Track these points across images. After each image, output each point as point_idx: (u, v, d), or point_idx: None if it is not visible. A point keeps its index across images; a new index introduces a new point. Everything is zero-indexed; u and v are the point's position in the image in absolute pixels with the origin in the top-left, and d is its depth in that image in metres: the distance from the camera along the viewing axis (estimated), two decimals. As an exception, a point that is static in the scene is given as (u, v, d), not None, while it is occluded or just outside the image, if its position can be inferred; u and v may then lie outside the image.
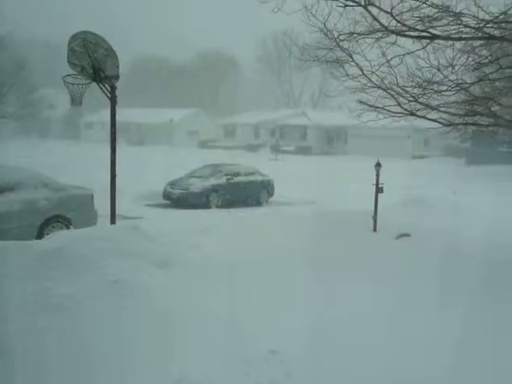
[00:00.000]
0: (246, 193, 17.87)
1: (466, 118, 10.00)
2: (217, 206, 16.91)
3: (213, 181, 17.42)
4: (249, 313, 5.79)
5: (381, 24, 7.71)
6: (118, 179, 9.29)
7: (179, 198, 16.80)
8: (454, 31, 7.58)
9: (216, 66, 69.67)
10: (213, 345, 5.01)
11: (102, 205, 10.22)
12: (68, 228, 9.97)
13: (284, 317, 5.74)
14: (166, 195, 17.20)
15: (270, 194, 18.86)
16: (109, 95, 8.98)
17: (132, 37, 48.29)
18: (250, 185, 18.12)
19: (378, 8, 7.58)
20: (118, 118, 9.24)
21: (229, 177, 17.77)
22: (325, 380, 4.54)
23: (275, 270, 7.58)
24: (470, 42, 7.96)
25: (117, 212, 9.42)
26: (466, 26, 7.39)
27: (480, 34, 7.42)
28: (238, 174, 18.20)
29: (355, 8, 7.77)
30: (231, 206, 16.65)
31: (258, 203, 18.06)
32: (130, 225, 9.40)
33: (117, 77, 8.93)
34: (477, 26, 7.26)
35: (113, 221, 9.27)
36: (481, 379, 4.68)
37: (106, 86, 8.93)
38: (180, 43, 61.57)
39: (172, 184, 17.37)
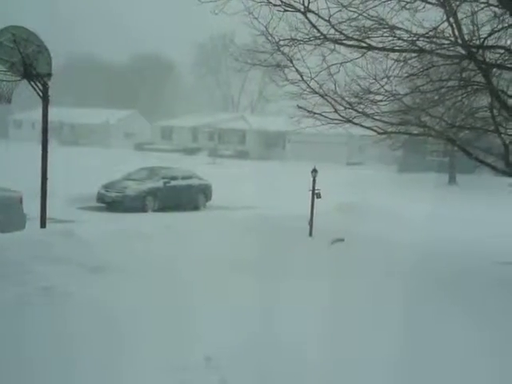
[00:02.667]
0: (184, 197, 17.65)
1: (398, 127, 10.41)
2: (153, 210, 16.61)
3: (149, 184, 17.09)
4: (184, 320, 5.70)
5: (319, 31, 7.89)
6: (49, 181, 8.92)
7: (114, 202, 16.36)
8: (388, 43, 7.87)
9: (155, 68, 68.69)
10: (147, 353, 4.88)
11: (32, 208, 9.75)
12: (-6, 232, 9.45)
13: (218, 324, 5.70)
14: (101, 198, 16.71)
15: (208, 198, 18.75)
16: (41, 94, 8.62)
17: (67, 34, 46.65)
18: (187, 189, 17.92)
19: (317, 15, 7.74)
20: (50, 117, 8.89)
21: (166, 180, 17.49)
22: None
23: (210, 277, 7.52)
24: (403, 54, 8.29)
25: (48, 215, 9.04)
26: (399, 39, 7.69)
27: (413, 47, 7.74)
28: (175, 178, 17.96)
29: (295, 15, 7.90)
30: (168, 209, 16.40)
31: (196, 207, 17.91)
32: (62, 229, 9.07)
33: (49, 75, 8.59)
34: (410, 39, 7.57)
35: (43, 225, 8.90)
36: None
37: (38, 84, 8.57)
38: (118, 44, 60.21)
39: (107, 187, 16.89)
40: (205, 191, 18.64)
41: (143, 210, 16.33)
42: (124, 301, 6.16)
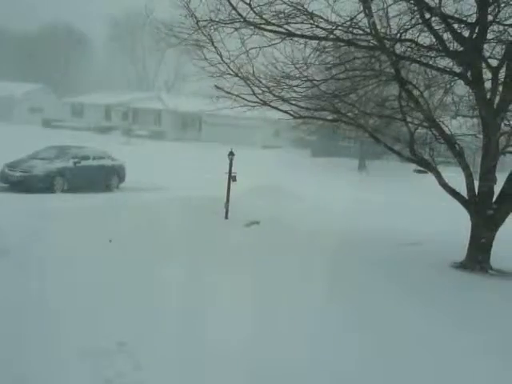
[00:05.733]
0: (95, 177, 16.99)
1: (313, 112, 10.65)
2: (62, 191, 15.84)
3: (58, 163, 16.27)
4: (94, 305, 5.52)
5: (239, 14, 7.83)
6: None
7: (19, 182, 15.41)
8: (307, 30, 7.99)
9: (65, 41, 65.06)
10: (53, 339, 4.68)
11: None
12: None
13: (133, 308, 5.58)
14: (4, 178, 15.68)
15: (121, 179, 18.19)
16: None
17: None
18: (99, 169, 17.26)
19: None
20: None
21: (76, 160, 16.73)
22: (175, 370, 4.51)
23: (122, 261, 7.35)
24: (321, 42, 8.46)
25: None
26: (318, 27, 7.82)
27: (331, 36, 7.91)
28: (86, 158, 17.21)
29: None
30: (78, 190, 15.73)
31: (108, 188, 17.32)
32: (-41, 210, 8.44)
33: None
34: (328, 28, 7.73)
35: None
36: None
37: None
38: (25, 13, 56.36)
39: (11, 166, 15.87)
40: (118, 172, 18.05)
41: (51, 190, 15.53)
42: (27, 285, 5.87)
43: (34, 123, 45.97)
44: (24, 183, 15.32)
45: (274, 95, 9.63)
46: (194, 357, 4.68)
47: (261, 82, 9.40)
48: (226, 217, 11.97)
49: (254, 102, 9.93)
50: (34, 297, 5.57)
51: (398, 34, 8.22)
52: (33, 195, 14.16)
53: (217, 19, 8.20)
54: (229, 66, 9.19)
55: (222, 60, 9.10)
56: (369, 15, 7.50)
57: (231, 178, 12.20)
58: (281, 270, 7.67)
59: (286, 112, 10.24)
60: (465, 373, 4.85)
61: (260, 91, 9.58)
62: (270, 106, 9.99)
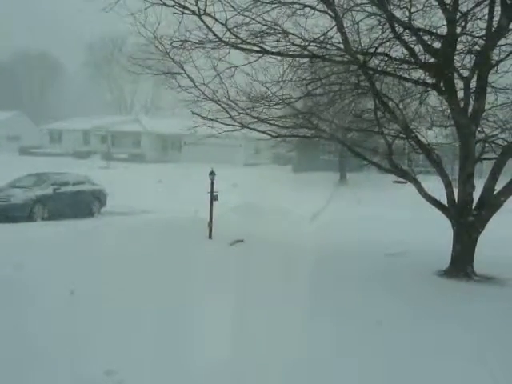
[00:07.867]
0: (76, 203, 16.83)
1: (291, 131, 10.71)
2: (43, 219, 15.63)
3: (37, 191, 16.07)
4: (81, 334, 5.42)
5: (215, 34, 7.89)
6: None
7: (-2, 211, 15.18)
8: (282, 48, 8.09)
9: (39, 68, 64.83)
10: (39, 370, 4.58)
11: None
12: None
13: (120, 335, 5.49)
14: (-18, 208, 15.41)
15: (103, 203, 18.05)
16: None
17: None
18: (79, 195, 17.11)
19: (214, 18, 7.75)
20: None
21: (56, 186, 16.55)
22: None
23: (108, 285, 7.24)
24: (297, 59, 8.56)
25: None
26: (293, 44, 7.93)
27: (305, 52, 8.02)
28: (66, 184, 17.05)
29: (190, 19, 7.85)
30: (59, 217, 15.54)
31: (90, 214, 17.16)
32: None
33: None
34: (302, 44, 7.83)
35: None
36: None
37: None
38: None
39: (-11, 195, 15.62)
40: (99, 197, 17.92)
41: (32, 219, 15.31)
42: (11, 316, 5.76)
43: (11, 151, 45.51)
44: (2, 212, 15.08)
45: (252, 116, 9.65)
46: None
47: (237, 104, 9.42)
48: (210, 236, 11.90)
49: (232, 125, 9.93)
50: (9, 328, 5.46)
51: (371, 48, 8.36)
52: (11, 225, 13.91)
53: (191, 39, 8.24)
54: (203, 92, 9.21)
55: (195, 86, 9.11)
56: (341, 31, 7.62)
57: (213, 197, 12.16)
58: (268, 286, 7.62)
59: (264, 132, 10.27)
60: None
61: (237, 113, 9.59)
62: (247, 127, 10.00)
